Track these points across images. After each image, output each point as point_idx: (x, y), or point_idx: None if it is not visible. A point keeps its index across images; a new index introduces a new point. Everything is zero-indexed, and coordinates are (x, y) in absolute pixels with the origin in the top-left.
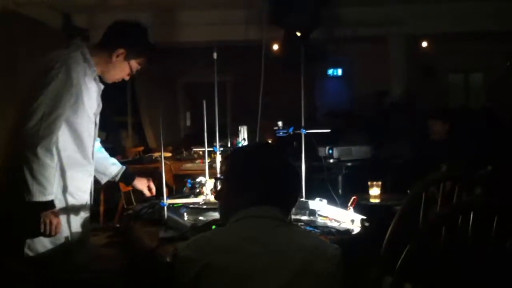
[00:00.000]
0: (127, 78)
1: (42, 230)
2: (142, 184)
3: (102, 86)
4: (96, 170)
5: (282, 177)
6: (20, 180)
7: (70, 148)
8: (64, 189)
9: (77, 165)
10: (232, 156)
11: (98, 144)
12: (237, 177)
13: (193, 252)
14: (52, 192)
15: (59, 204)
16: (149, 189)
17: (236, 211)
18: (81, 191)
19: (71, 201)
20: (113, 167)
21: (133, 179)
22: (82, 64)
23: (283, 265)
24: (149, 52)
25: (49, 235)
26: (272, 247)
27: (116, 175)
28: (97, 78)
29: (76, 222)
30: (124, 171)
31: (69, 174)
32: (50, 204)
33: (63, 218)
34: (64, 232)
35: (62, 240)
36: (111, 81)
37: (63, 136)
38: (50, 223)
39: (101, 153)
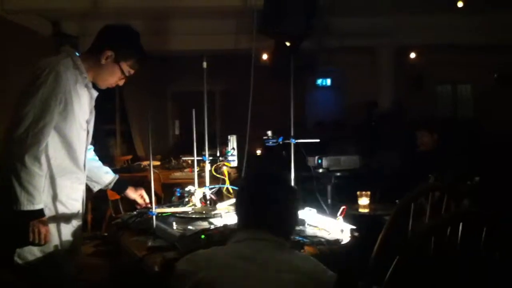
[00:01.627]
0: (120, 82)
1: (30, 239)
2: (134, 193)
3: (95, 93)
4: (89, 179)
5: (281, 204)
6: (9, 189)
7: (60, 156)
8: (54, 198)
9: (68, 173)
10: (240, 183)
11: (91, 152)
12: (239, 202)
13: (190, 266)
14: (41, 201)
15: (49, 212)
16: (142, 198)
17: (236, 232)
18: (72, 199)
19: (62, 209)
20: (107, 175)
21: (126, 188)
22: (73, 70)
23: (280, 285)
24: (138, 54)
25: (38, 244)
26: (268, 267)
27: (109, 184)
28: (89, 84)
29: (67, 230)
30: (117, 180)
31: (59, 182)
32: (39, 212)
33: (53, 227)
34: (54, 241)
35: (52, 249)
36: (104, 86)
37: (53, 144)
38: (39, 232)
39: (95, 162)
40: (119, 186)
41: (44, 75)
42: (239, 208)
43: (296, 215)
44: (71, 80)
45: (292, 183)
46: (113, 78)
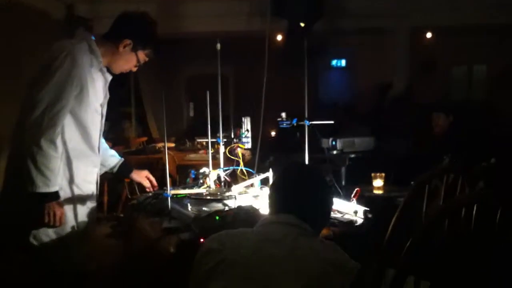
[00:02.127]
0: (134, 69)
1: (46, 221)
2: (140, 177)
3: (109, 77)
4: None
5: (311, 191)
6: (25, 171)
7: (75, 139)
8: (70, 180)
9: (83, 156)
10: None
11: None
12: (273, 189)
13: (216, 244)
14: (56, 183)
15: (64, 195)
16: (149, 181)
17: (266, 216)
18: (86, 182)
19: (77, 192)
20: (112, 158)
21: (130, 171)
22: (88, 55)
23: (301, 272)
24: (155, 44)
25: (53, 226)
26: (293, 252)
27: (114, 167)
28: (103, 69)
29: (82, 212)
30: (122, 163)
31: (75, 165)
32: (55, 195)
33: (68, 209)
34: (69, 223)
35: (67, 230)
36: (118, 72)
37: (69, 127)
38: (54, 214)
39: (102, 144)
40: (124, 170)
41: (60, 59)
42: (271, 196)
43: (327, 207)
44: (87, 64)
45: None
46: (128, 65)
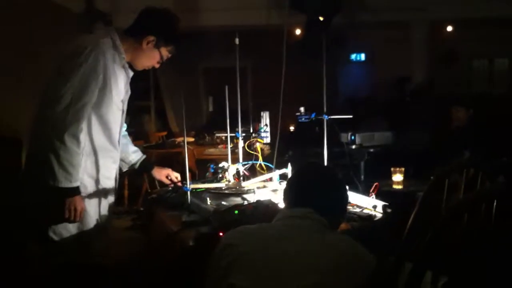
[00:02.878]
0: (157, 65)
1: (66, 216)
2: (160, 174)
3: (131, 73)
4: None
5: (326, 188)
6: (47, 166)
7: (97, 134)
8: (91, 175)
9: (104, 152)
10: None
11: (123, 130)
12: (289, 185)
13: (234, 239)
14: (78, 179)
15: (84, 190)
16: (170, 178)
17: (283, 210)
18: (106, 178)
19: (97, 187)
20: (134, 155)
21: (151, 169)
22: (112, 50)
23: (318, 265)
24: (178, 40)
25: (73, 221)
26: (310, 246)
27: (136, 163)
28: (126, 65)
29: (101, 207)
30: (144, 160)
31: (96, 160)
32: (76, 190)
33: (88, 204)
34: (88, 218)
35: (87, 225)
36: (141, 68)
37: (91, 123)
38: (75, 209)
39: (125, 139)
40: (145, 167)
41: (85, 54)
42: (287, 191)
43: (343, 204)
44: (110, 60)
45: (325, 160)
46: (151, 61)
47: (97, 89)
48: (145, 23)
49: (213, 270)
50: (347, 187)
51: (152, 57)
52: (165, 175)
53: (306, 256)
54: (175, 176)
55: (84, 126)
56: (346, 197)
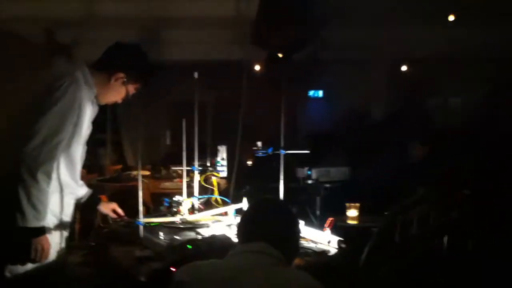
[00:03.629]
0: (120, 101)
1: (32, 256)
2: (107, 208)
3: (97, 109)
4: None
5: (281, 222)
6: (15, 203)
7: (64, 171)
8: (55, 214)
9: (68, 189)
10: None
11: None
12: (243, 220)
13: (186, 276)
14: (45, 218)
15: (48, 228)
16: (116, 213)
17: (236, 246)
18: (65, 215)
19: (56, 223)
20: (81, 189)
21: (98, 203)
22: (84, 85)
23: None
24: (148, 78)
25: (39, 261)
26: (266, 282)
27: (82, 197)
28: (94, 100)
29: (59, 243)
30: (91, 195)
31: (61, 198)
32: (42, 229)
33: (50, 240)
34: (50, 255)
35: (45, 262)
36: (104, 103)
37: (60, 159)
38: (42, 249)
39: None
40: (92, 201)
41: (63, 88)
42: (241, 226)
43: (296, 238)
44: (84, 95)
45: (281, 194)
46: (116, 97)
47: (72, 125)
48: (115, 59)
49: None
50: (300, 222)
51: (118, 93)
52: (112, 209)
53: None
54: (121, 211)
55: (58, 164)
56: (299, 231)
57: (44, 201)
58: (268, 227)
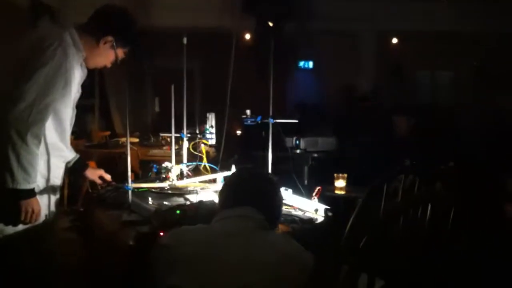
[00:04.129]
0: (109, 65)
1: (22, 218)
2: (93, 174)
3: (86, 72)
4: None
5: (264, 189)
6: (5, 166)
7: (52, 134)
8: (44, 176)
9: (56, 151)
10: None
11: None
12: (226, 187)
13: (172, 241)
14: (35, 180)
15: (37, 190)
16: (103, 179)
17: (222, 210)
18: (55, 177)
19: (47, 186)
20: (70, 153)
21: (85, 168)
22: (71, 47)
23: (255, 266)
24: (136, 43)
25: (29, 223)
26: (250, 246)
27: (69, 162)
28: (83, 63)
29: (50, 207)
30: (78, 159)
31: (52, 161)
32: (33, 191)
33: (40, 203)
34: (39, 217)
35: (35, 224)
36: (93, 67)
37: (48, 122)
38: (32, 211)
39: None
40: (79, 166)
41: (51, 50)
42: (224, 192)
43: (279, 204)
44: (72, 58)
45: (270, 164)
46: (105, 61)
47: (61, 87)
48: (104, 22)
49: (152, 271)
50: (288, 190)
51: (107, 57)
52: (98, 175)
53: (247, 255)
54: (108, 177)
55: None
56: (282, 198)
57: (34, 164)
58: (252, 192)
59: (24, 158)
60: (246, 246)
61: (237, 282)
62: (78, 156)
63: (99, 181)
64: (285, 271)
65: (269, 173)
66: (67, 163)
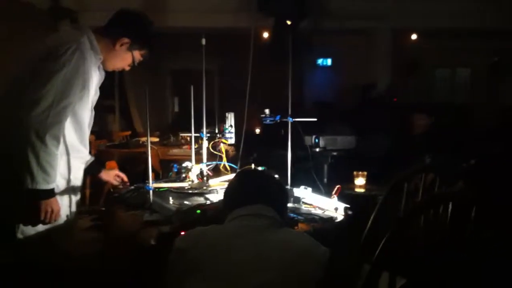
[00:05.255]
0: (127, 68)
1: (41, 218)
2: (108, 176)
3: (104, 74)
4: None
5: (271, 186)
6: (24, 167)
7: (72, 136)
8: (64, 177)
9: (76, 153)
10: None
11: None
12: (233, 187)
13: (185, 243)
14: (55, 180)
15: (57, 190)
16: (121, 178)
17: (232, 210)
18: (75, 178)
19: (67, 187)
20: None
21: (100, 171)
22: (89, 50)
23: (270, 264)
24: (152, 45)
25: (48, 222)
26: (263, 244)
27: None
28: (101, 66)
29: (71, 207)
30: (93, 162)
31: (70, 161)
32: (52, 192)
33: (60, 204)
34: (59, 217)
35: (56, 225)
36: (111, 69)
37: (67, 124)
38: (52, 211)
39: None
40: (93, 168)
41: (68, 53)
42: (233, 190)
43: (286, 203)
44: (89, 60)
45: (289, 162)
46: (123, 63)
47: (79, 90)
48: (120, 25)
49: (170, 275)
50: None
51: (124, 59)
52: (114, 176)
53: (263, 254)
54: (124, 176)
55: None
56: (288, 196)
57: (53, 164)
58: (260, 189)
59: (43, 159)
60: (261, 244)
61: (255, 281)
62: (93, 159)
63: (115, 182)
64: (301, 266)
65: (271, 173)
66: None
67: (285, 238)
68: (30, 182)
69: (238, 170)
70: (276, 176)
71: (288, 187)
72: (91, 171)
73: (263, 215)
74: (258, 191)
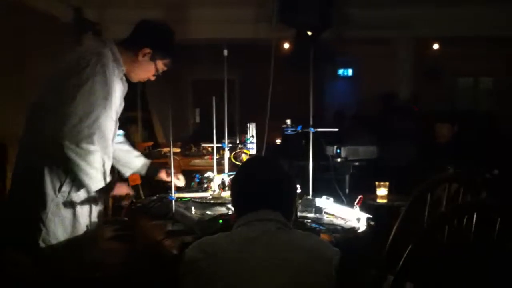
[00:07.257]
0: (152, 78)
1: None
2: (167, 176)
3: (127, 86)
4: (119, 163)
5: (277, 183)
6: (78, 179)
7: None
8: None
9: None
10: (236, 173)
11: (121, 138)
12: (239, 189)
13: (195, 253)
14: (106, 177)
15: (77, 199)
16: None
17: (240, 216)
18: None
19: (89, 197)
20: (137, 160)
21: (158, 172)
22: (112, 62)
23: (282, 267)
24: (174, 54)
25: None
26: (273, 248)
27: (141, 168)
28: (124, 77)
29: (92, 217)
30: (150, 165)
31: None
32: (110, 185)
33: (81, 215)
34: (78, 227)
35: (76, 234)
36: (136, 80)
37: None
38: (120, 197)
39: (124, 146)
40: (152, 171)
41: (91, 66)
42: (240, 195)
43: (295, 200)
44: (111, 72)
45: (310, 172)
46: (147, 74)
47: (103, 100)
48: (141, 35)
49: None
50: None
51: (147, 70)
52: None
53: (274, 258)
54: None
55: None
56: (296, 188)
57: (96, 165)
58: (264, 191)
59: (85, 167)
60: (272, 248)
61: (269, 286)
62: (150, 161)
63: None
64: (312, 266)
65: (279, 161)
66: (140, 169)
67: (294, 240)
68: (89, 188)
69: (248, 161)
70: (283, 165)
71: (310, 197)
72: (151, 173)
73: (269, 219)
74: (263, 196)
